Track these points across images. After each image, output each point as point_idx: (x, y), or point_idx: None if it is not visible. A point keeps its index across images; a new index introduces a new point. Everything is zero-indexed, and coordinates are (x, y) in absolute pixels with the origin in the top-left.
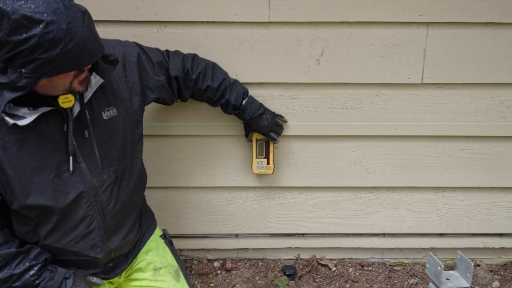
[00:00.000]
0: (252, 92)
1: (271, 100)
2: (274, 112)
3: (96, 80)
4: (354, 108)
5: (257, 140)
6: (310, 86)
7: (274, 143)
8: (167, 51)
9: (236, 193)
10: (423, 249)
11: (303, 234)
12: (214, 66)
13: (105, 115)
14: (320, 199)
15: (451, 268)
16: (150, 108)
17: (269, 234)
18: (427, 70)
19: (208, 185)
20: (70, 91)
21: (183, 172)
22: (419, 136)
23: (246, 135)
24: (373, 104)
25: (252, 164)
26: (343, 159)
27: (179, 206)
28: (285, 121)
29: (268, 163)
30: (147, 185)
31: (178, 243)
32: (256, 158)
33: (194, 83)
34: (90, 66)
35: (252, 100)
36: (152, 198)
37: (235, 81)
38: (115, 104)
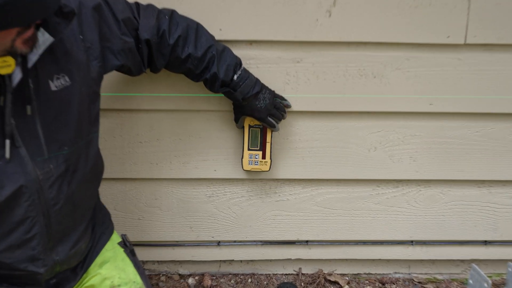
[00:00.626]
0: (241, 53)
1: (266, 64)
2: (273, 91)
3: (44, 39)
4: (376, 76)
5: (250, 127)
6: (318, 45)
7: (272, 131)
8: (137, 4)
9: (218, 187)
10: (463, 261)
11: (306, 242)
12: (198, 28)
13: (54, 85)
14: (329, 195)
15: (498, 285)
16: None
17: (261, 241)
18: (472, 27)
19: (181, 176)
20: (11, 52)
21: (148, 159)
22: (461, 113)
23: (236, 120)
24: (401, 71)
25: (242, 158)
26: (361, 143)
27: (142, 204)
28: (289, 105)
29: (263, 156)
30: None
31: (141, 253)
32: (248, 150)
33: (172, 50)
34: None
35: (246, 74)
36: (106, 194)
37: (225, 49)
38: (68, 71)
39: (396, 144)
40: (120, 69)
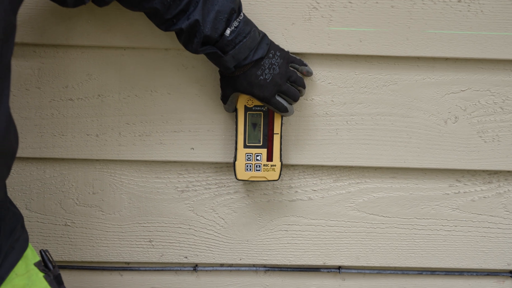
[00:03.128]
0: None
1: None
2: (287, 53)
3: None
4: None
5: (247, 110)
6: None
7: (282, 116)
8: None
9: (197, 176)
10: None
11: (339, 269)
12: None
13: None
14: (378, 194)
15: None
16: None
17: (265, 266)
18: None
19: (136, 156)
20: None
21: (82, 128)
22: None
23: (224, 98)
24: None
25: (235, 161)
26: (432, 110)
27: (72, 201)
28: (309, 73)
29: (269, 158)
30: None
31: (69, 281)
32: (245, 147)
33: None
34: None
35: (247, 28)
36: (14, 183)
37: None
38: None
39: (491, 113)
40: None
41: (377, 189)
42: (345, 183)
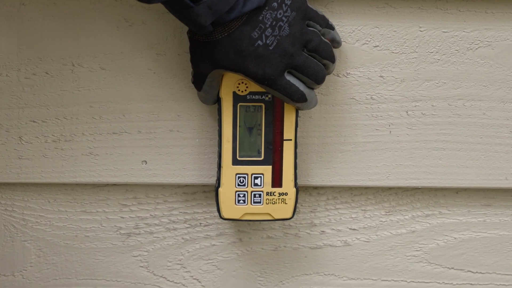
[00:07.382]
0: None
1: None
2: (305, 1)
3: None
4: None
5: (237, 99)
6: None
7: (298, 109)
8: None
9: (154, 208)
10: None
11: None
12: None
13: None
14: (462, 233)
15: None
16: None
17: None
18: None
19: (48, 178)
20: None
21: None
22: None
23: (199, 80)
24: None
25: (218, 185)
26: None
27: None
28: (338, 42)
29: (276, 181)
30: None
31: None
32: (235, 162)
33: None
34: None
35: None
36: None
37: None
38: None
39: None
40: None
41: (461, 225)
42: (406, 217)
